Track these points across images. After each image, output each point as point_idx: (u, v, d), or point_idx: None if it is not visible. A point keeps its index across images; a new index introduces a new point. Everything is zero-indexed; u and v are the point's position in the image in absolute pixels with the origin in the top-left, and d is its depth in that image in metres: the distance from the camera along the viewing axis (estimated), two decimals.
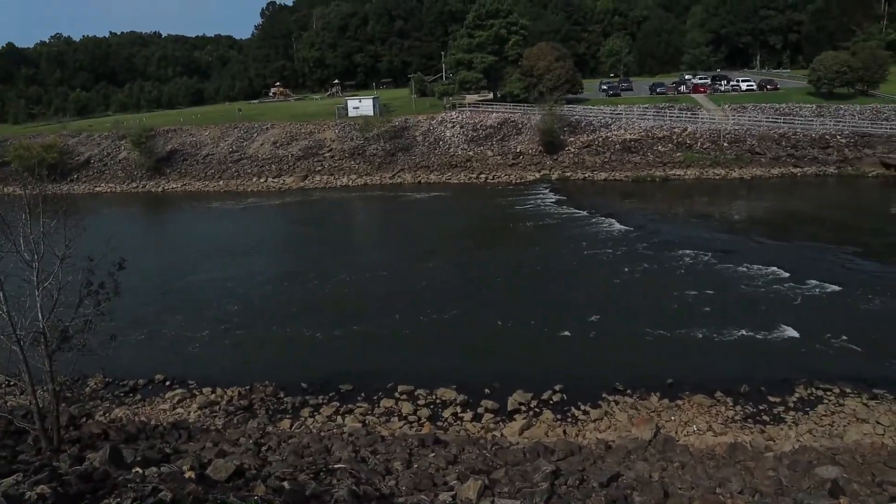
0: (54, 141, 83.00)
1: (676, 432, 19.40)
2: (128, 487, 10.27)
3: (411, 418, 21.26)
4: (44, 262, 16.89)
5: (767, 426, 19.50)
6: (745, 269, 34.26)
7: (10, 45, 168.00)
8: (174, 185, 74.57)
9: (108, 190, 76.04)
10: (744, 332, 26.42)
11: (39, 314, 16.64)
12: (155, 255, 45.26)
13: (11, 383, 20.41)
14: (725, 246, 39.04)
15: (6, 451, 16.37)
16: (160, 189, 74.30)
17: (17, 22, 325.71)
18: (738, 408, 20.76)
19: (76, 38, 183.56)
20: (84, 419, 21.49)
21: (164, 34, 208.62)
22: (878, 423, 18.84)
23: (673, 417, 20.32)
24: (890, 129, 61.69)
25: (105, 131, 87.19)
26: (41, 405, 17.16)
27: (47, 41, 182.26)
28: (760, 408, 20.71)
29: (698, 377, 22.86)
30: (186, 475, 11.47)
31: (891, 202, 52.25)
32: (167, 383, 25.31)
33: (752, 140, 63.46)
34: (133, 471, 12.09)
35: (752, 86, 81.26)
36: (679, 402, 21.28)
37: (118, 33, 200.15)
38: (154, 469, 12.21)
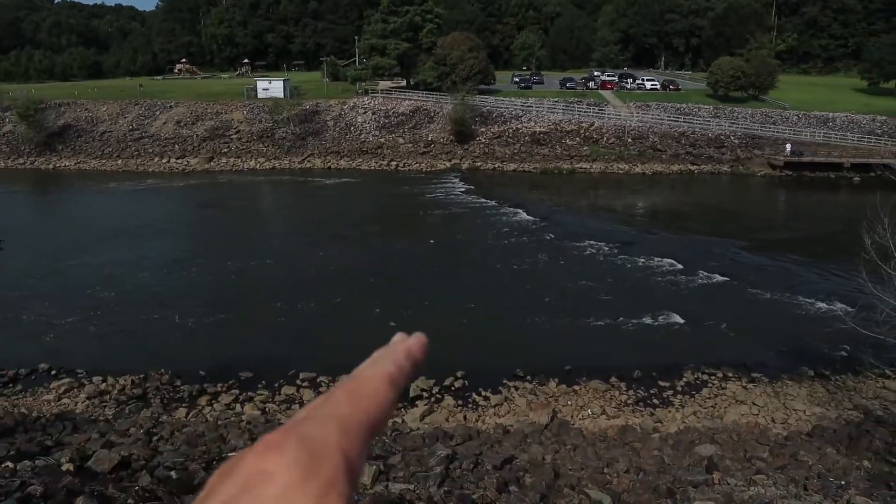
0: None
1: (572, 416, 20.11)
2: None
3: None
4: None
5: (657, 409, 20.54)
6: (642, 260, 35.83)
7: None
8: (67, 163, 70.05)
9: None
10: (639, 320, 27.66)
11: None
12: (42, 236, 42.48)
13: None
14: (625, 238, 40.71)
15: None
16: (51, 166, 69.62)
17: None
18: (631, 392, 21.74)
19: None
20: None
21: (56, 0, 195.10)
22: (754, 403, 20.24)
23: (569, 402, 21.04)
24: (776, 132, 66.08)
25: None
26: None
27: None
28: (651, 392, 21.78)
29: (595, 363, 23.76)
30: (64, 468, 10.93)
31: (775, 200, 56.07)
32: (52, 372, 23.81)
33: (654, 137, 66.31)
34: (3, 465, 11.38)
35: (656, 85, 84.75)
36: (576, 387, 22.05)
37: None
38: (28, 463, 11.53)
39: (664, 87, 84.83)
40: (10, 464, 11.62)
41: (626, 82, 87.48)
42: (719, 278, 32.79)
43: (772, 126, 67.44)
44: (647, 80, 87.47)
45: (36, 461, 12.11)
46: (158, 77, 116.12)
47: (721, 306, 29.09)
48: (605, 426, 19.24)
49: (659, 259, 35.77)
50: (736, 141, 65.45)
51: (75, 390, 22.43)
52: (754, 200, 54.72)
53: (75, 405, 21.43)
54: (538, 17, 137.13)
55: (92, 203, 54.39)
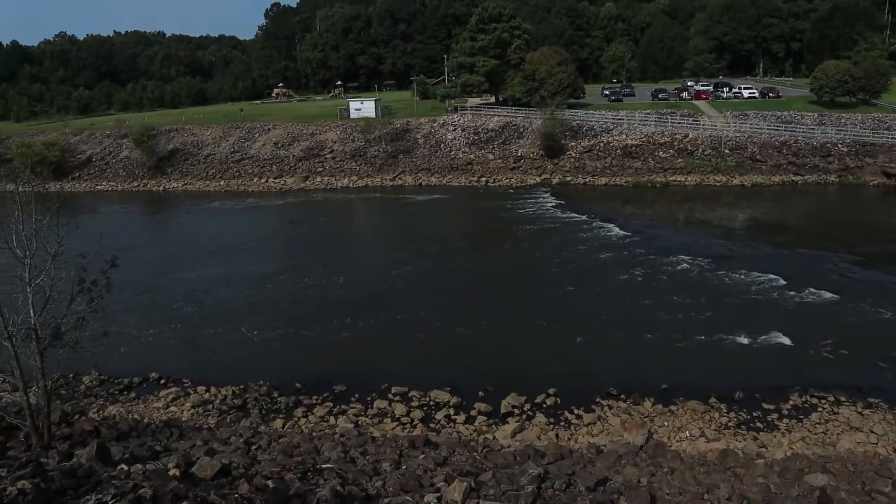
0: (56, 139, 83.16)
1: (669, 438, 19.33)
2: (110, 484, 10.26)
3: (404, 420, 21.22)
4: (36, 258, 16.84)
5: (761, 433, 19.43)
6: (742, 275, 34.18)
7: (14, 43, 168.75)
8: (175, 185, 74.62)
9: (110, 188, 76.10)
10: (740, 338, 26.35)
11: (31, 311, 16.59)
12: (152, 253, 45.26)
13: (3, 380, 20.33)
14: (724, 252, 39.00)
15: None
16: (161, 188, 74.36)
17: (22, 20, 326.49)
18: (732, 414, 20.70)
19: (80, 36, 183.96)
20: (77, 416, 21.42)
21: (167, 34, 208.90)
22: (871, 431, 18.76)
23: (666, 423, 20.25)
24: (891, 138, 61.64)
25: (107, 130, 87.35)
26: (33, 402, 17.11)
27: (51, 39, 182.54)
28: (754, 415, 20.64)
29: (693, 383, 22.79)
30: (171, 473, 11.45)
31: (891, 211, 52.18)
32: (161, 381, 25.28)
33: (753, 147, 63.45)
34: (118, 468, 12.08)
35: (754, 93, 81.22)
36: (673, 407, 21.22)
37: (122, 32, 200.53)
38: (139, 466, 12.19)
39: (763, 94, 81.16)
40: (124, 466, 12.32)
41: (722, 91, 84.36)
42: (828, 295, 30.76)
43: (885, 132, 62.98)
44: (745, 88, 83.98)
45: (147, 465, 12.79)
46: (257, 101, 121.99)
47: (830, 325, 27.24)
48: (705, 449, 18.35)
49: (760, 275, 34.00)
50: (844, 149, 61.57)
51: (181, 399, 23.64)
52: (866, 211, 51.15)
53: (181, 413, 22.56)
54: (628, 29, 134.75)
55: (197, 222, 57.52)
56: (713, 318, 28.64)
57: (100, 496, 9.35)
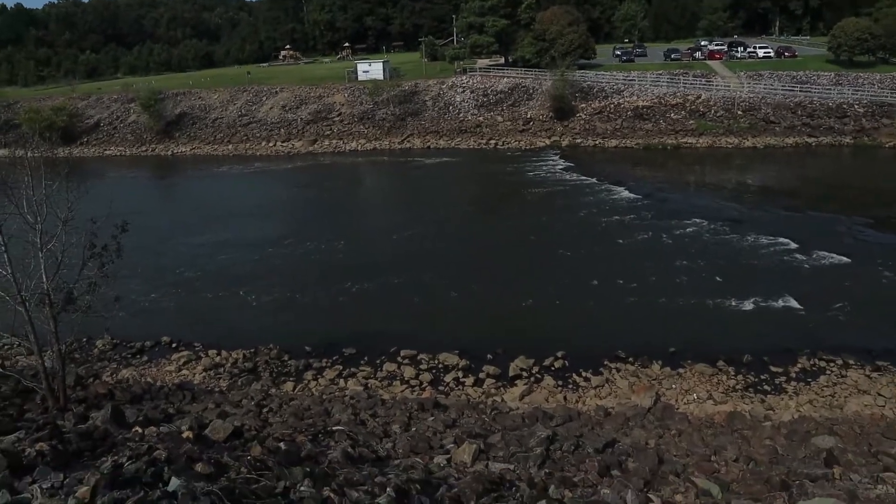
0: (64, 104, 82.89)
1: (676, 400, 19.46)
2: (125, 446, 10.46)
3: (413, 382, 21.44)
4: (47, 224, 16.92)
5: (768, 396, 19.51)
6: (753, 238, 33.97)
7: (18, 6, 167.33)
8: (183, 149, 74.48)
9: (118, 153, 76.07)
10: (749, 302, 26.29)
11: (44, 276, 16.74)
12: (161, 218, 45.41)
13: (19, 344, 20.64)
14: (735, 216, 38.70)
15: (13, 409, 16.65)
16: (169, 152, 74.26)
17: None
18: (740, 377, 20.77)
19: None
20: (91, 379, 21.77)
21: None
22: (879, 394, 18.80)
23: (674, 386, 20.37)
24: None
25: (114, 94, 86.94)
26: (48, 365, 17.39)
27: (56, 2, 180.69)
28: (762, 378, 20.70)
29: (701, 346, 22.85)
30: (185, 435, 11.64)
31: None
32: (173, 345, 25.60)
33: (766, 108, 62.38)
34: (133, 430, 12.30)
35: (769, 52, 79.53)
36: (681, 370, 21.32)
37: None
38: (153, 429, 12.42)
39: (778, 54, 79.42)
40: (139, 429, 12.55)
41: (736, 51, 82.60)
42: (840, 258, 30.54)
43: None
44: (760, 47, 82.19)
45: (161, 427, 13.03)
46: (264, 64, 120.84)
47: (841, 288, 27.09)
48: (712, 412, 18.47)
49: (771, 238, 33.76)
50: (861, 110, 60.42)
51: (193, 363, 23.96)
52: (882, 174, 50.39)
53: (193, 376, 22.89)
54: None
55: (205, 186, 57.55)
56: (723, 281, 28.55)
57: (115, 458, 9.51)
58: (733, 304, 26.31)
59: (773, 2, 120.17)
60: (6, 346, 23.62)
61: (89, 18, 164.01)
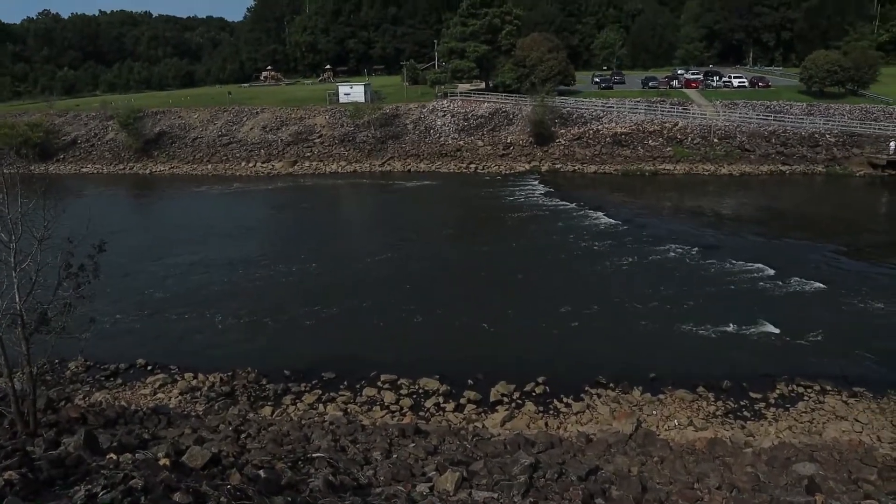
0: (40, 120, 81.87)
1: (658, 426, 19.47)
2: (100, 474, 10.13)
3: (393, 408, 21.21)
4: (22, 242, 16.57)
5: (748, 422, 19.61)
6: (730, 264, 34.37)
7: None
8: (161, 168, 73.81)
9: (95, 171, 75.13)
10: (727, 327, 26.52)
11: (16, 296, 16.35)
12: (139, 237, 44.82)
13: None
14: (712, 241, 39.20)
15: None
16: (147, 171, 73.52)
17: None
18: (720, 403, 20.88)
19: (64, 14, 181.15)
20: (63, 403, 21.23)
21: (154, 14, 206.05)
22: (856, 420, 18.99)
23: (655, 412, 20.39)
24: (878, 129, 62.04)
25: (93, 111, 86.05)
26: (18, 388, 16.91)
27: (34, 17, 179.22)
28: (742, 403, 20.83)
29: (681, 372, 22.96)
30: (161, 462, 11.33)
31: (877, 202, 52.66)
32: (148, 367, 25.10)
33: (742, 137, 63.64)
34: (107, 457, 11.94)
35: (743, 82, 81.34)
36: (661, 396, 21.37)
37: (107, 12, 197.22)
38: (129, 455, 12.06)
39: (753, 84, 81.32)
40: (113, 455, 12.18)
41: (712, 80, 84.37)
42: (815, 285, 31.01)
43: (873, 122, 63.33)
44: (735, 77, 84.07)
45: (136, 454, 12.66)
46: (246, 84, 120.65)
47: (817, 315, 27.47)
48: (693, 438, 18.50)
49: (748, 264, 34.20)
50: (832, 139, 61.90)
51: (169, 386, 23.49)
52: (853, 202, 51.53)
53: (169, 400, 22.43)
54: (619, 16, 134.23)
55: (184, 206, 56.97)
56: (701, 306, 28.80)
57: (89, 486, 9.22)
58: (712, 329, 26.51)
59: (746, 33, 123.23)
60: None
61: (68, 35, 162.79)
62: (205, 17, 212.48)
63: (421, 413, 20.83)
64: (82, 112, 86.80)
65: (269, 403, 21.81)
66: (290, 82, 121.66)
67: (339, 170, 68.47)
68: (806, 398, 20.90)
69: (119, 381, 24.20)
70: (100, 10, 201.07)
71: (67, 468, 10.85)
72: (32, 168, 69.19)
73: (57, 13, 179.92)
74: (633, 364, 23.61)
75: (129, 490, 8.69)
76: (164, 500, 8.67)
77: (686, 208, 49.41)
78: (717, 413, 20.27)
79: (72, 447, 12.63)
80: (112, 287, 31.67)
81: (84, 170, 75.63)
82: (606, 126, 67.81)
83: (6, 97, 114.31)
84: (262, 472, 11.21)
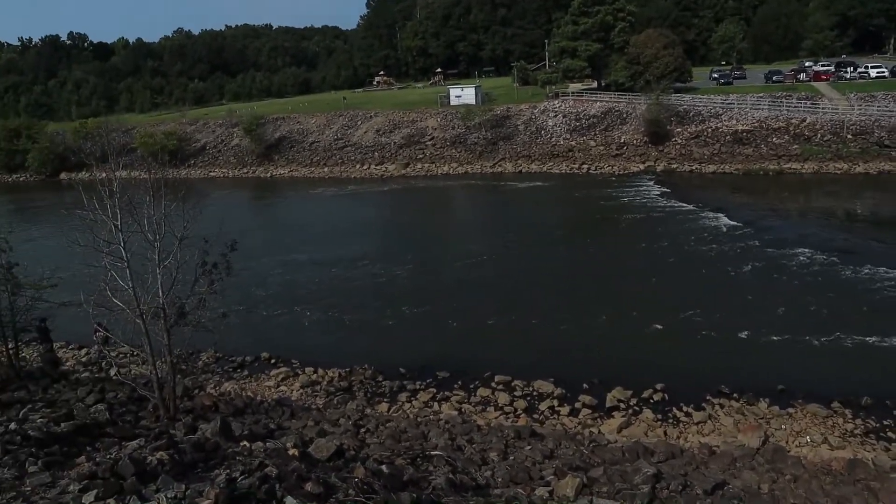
0: (174, 128, 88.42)
1: (787, 442, 18.24)
2: (236, 460, 10.78)
3: (507, 409, 21.14)
4: (164, 242, 17.90)
5: (893, 444, 17.97)
6: (868, 271, 31.76)
7: (139, 40, 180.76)
8: (282, 171, 77.62)
9: (221, 175, 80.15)
10: (865, 339, 24.48)
11: (160, 291, 17.67)
12: (262, 237, 47.29)
13: (135, 353, 21.85)
14: (846, 246, 36.35)
15: (130, 416, 17.58)
16: (269, 175, 77.54)
17: (146, 18, 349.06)
18: (859, 421, 19.24)
19: (195, 31, 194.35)
20: (197, 391, 22.75)
21: (274, 26, 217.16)
22: None
23: (783, 426, 19.11)
24: None
25: (219, 119, 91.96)
26: (160, 376, 18.29)
27: (170, 35, 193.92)
28: (885, 423, 19.08)
29: (813, 385, 21.40)
30: (290, 452, 11.90)
31: None
32: (272, 361, 26.38)
33: (880, 132, 58.62)
34: (241, 444, 12.68)
35: (883, 72, 74.92)
36: (790, 410, 20.00)
37: (232, 26, 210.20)
38: (260, 444, 12.76)
39: (894, 74, 74.73)
40: (246, 443, 12.95)
41: (846, 71, 78.32)
42: None
43: None
44: (873, 67, 77.57)
45: (266, 443, 13.37)
46: (359, 90, 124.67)
47: None
48: (828, 457, 17.18)
49: (888, 271, 31.41)
50: None
51: (291, 379, 24.60)
52: None
53: (291, 392, 23.48)
54: (739, 7, 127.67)
55: (302, 207, 59.63)
56: (835, 316, 26.76)
57: (228, 471, 9.81)
58: (848, 341, 24.57)
59: (888, 18, 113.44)
60: (122, 356, 25.05)
61: (198, 49, 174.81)
62: (320, 26, 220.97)
63: (535, 416, 20.64)
64: (210, 120, 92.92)
65: (385, 400, 22.34)
66: (401, 86, 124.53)
67: (451, 171, 69.27)
68: None
69: (245, 372, 25.60)
70: (226, 25, 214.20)
71: (207, 452, 11.62)
72: (168, 173, 74.66)
73: (189, 30, 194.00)
74: (758, 374, 22.28)
75: (265, 477, 9.16)
76: (296, 489, 9.07)
77: (815, 210, 46.18)
78: (856, 432, 18.69)
79: (209, 433, 13.50)
80: (239, 284, 33.54)
81: (212, 174, 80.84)
82: (726, 123, 64.61)
83: (146, 109, 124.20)
84: (384, 468, 11.51)
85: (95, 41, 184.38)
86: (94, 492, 8.04)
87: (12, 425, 12.85)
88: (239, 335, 28.35)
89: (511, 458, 14.74)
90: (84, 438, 12.25)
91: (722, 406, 20.54)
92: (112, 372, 24.11)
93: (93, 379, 22.69)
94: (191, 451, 11.30)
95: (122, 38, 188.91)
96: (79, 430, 12.98)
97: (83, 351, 28.13)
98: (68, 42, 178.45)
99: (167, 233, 18.19)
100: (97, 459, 9.71)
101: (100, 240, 17.46)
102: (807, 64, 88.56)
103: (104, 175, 19.09)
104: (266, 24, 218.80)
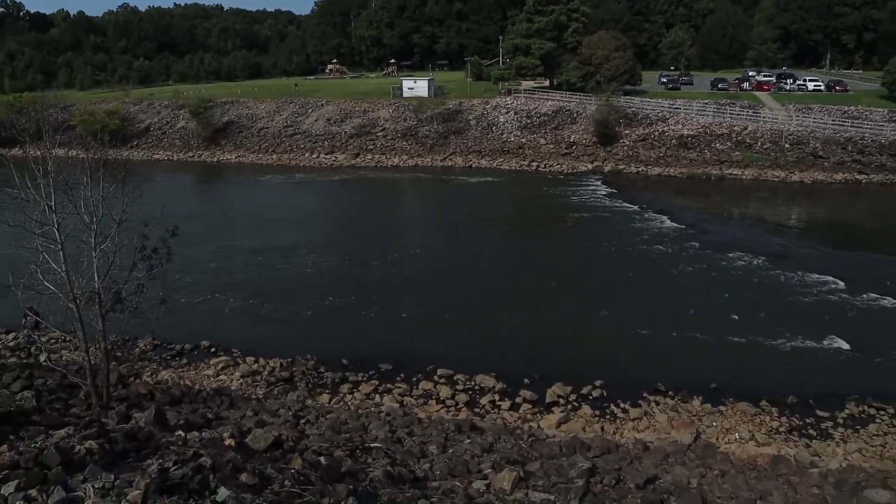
0: (117, 108, 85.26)
1: (717, 439, 18.94)
2: (170, 450, 10.53)
3: (449, 402, 21.29)
4: (102, 224, 17.30)
5: (814, 441, 18.86)
6: (798, 276, 33.16)
7: (80, 13, 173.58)
8: (228, 156, 75.91)
9: (166, 157, 77.85)
10: (794, 341, 25.59)
11: (95, 275, 17.10)
12: (205, 223, 46.15)
13: (67, 339, 21.11)
14: (780, 251, 37.88)
15: (59, 403, 17.00)
16: (215, 159, 75.73)
17: None
18: (784, 419, 20.14)
19: (142, 8, 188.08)
20: (132, 379, 22.13)
21: (225, 7, 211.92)
22: None
23: (714, 423, 19.84)
24: None
25: (165, 100, 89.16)
26: (93, 362, 17.71)
27: (115, 10, 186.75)
28: (807, 421, 20.04)
29: (743, 384, 22.27)
30: (227, 442, 11.70)
31: None
32: (212, 350, 25.88)
33: (815, 143, 61.14)
34: (176, 433, 12.40)
35: (819, 86, 78.20)
36: (722, 408, 20.77)
37: (181, 4, 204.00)
38: (196, 434, 12.51)
39: (829, 88, 78.04)
40: (181, 433, 12.67)
41: (785, 83, 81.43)
42: (890, 301, 29.58)
43: None
44: (810, 80, 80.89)
45: (202, 433, 13.12)
46: (311, 77, 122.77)
47: (892, 333, 26.20)
48: (755, 453, 17.92)
49: (818, 276, 32.88)
50: None
51: (231, 368, 24.20)
52: None
53: (231, 382, 23.09)
54: (689, 14, 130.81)
55: (250, 194, 58.45)
56: (766, 318, 27.86)
57: (161, 461, 9.58)
58: (777, 341, 25.63)
59: (824, 34, 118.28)
60: (53, 341, 24.15)
61: (145, 27, 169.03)
62: (273, 10, 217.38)
63: (476, 410, 20.85)
64: (156, 101, 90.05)
65: (326, 391, 22.20)
66: (354, 75, 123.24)
67: (401, 163, 69.02)
68: (878, 420, 19.96)
69: (184, 361, 25.04)
70: (174, 4, 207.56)
71: (140, 442, 11.32)
72: (108, 153, 72.08)
73: (135, 6, 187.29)
74: (693, 373, 23.04)
75: (199, 467, 9.00)
76: (231, 480, 8.94)
77: (753, 215, 47.91)
78: (781, 429, 19.56)
79: (143, 422, 13.16)
80: (178, 270, 32.74)
81: (156, 156, 78.44)
82: (672, 128, 66.29)
83: (87, 86, 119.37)
84: (322, 459, 11.45)
85: (32, 11, 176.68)
86: (15, 482, 7.75)
87: None
88: (178, 322, 27.55)
89: (450, 451, 14.86)
90: (7, 427, 11.76)
91: (657, 403, 21.16)
92: (42, 358, 23.19)
93: (20, 365, 21.80)
94: (122, 441, 10.98)
95: (62, 9, 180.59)
96: (2, 417, 12.46)
97: (10, 336, 26.96)
98: (2, 10, 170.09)
99: (105, 215, 17.59)
100: (20, 448, 9.33)
101: (31, 220, 16.79)
102: (750, 73, 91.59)
103: (38, 153, 18.31)
104: (217, 5, 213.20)
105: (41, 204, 16.73)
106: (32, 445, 9.70)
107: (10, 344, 26.19)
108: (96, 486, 7.86)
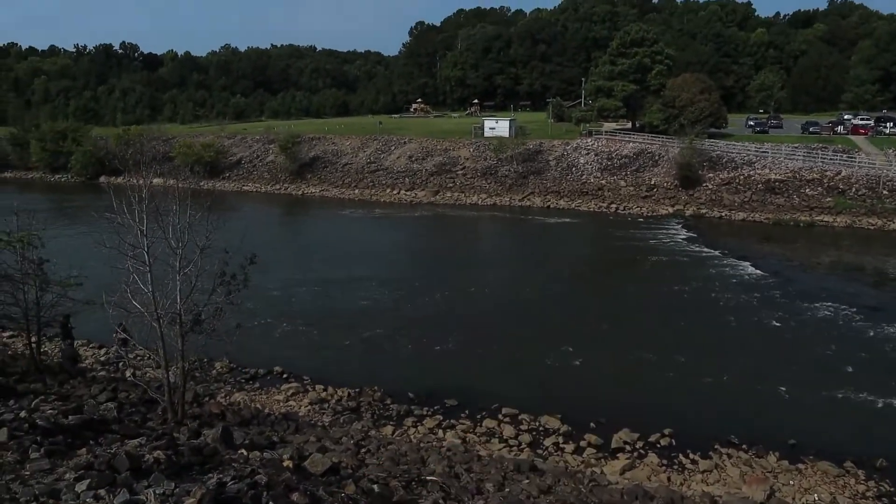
0: (213, 141, 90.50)
1: (793, 498, 17.87)
2: (231, 466, 10.96)
3: (512, 442, 21.05)
4: (187, 250, 18.33)
5: None
6: (892, 330, 31.12)
7: (187, 53, 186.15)
8: (313, 190, 78.81)
9: (254, 189, 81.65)
10: (885, 399, 23.95)
11: (178, 297, 18.07)
12: (286, 253, 47.94)
13: (151, 357, 22.27)
14: (874, 303, 35.70)
15: (138, 416, 17.91)
16: (300, 192, 78.77)
17: (195, 33, 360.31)
18: (872, 483, 18.77)
19: (242, 48, 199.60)
20: (207, 398, 23.05)
21: (318, 48, 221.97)
22: None
23: (791, 482, 18.73)
24: None
25: (257, 135, 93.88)
26: (171, 380, 18.62)
27: (217, 51, 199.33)
28: None
29: (826, 442, 20.96)
30: (285, 464, 12.04)
31: None
32: (284, 376, 26.64)
33: None
34: (239, 452, 12.87)
35: None
36: (800, 465, 19.60)
37: (278, 45, 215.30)
38: (257, 453, 12.92)
39: None
40: (244, 451, 13.13)
41: (885, 126, 77.49)
42: None
43: None
44: None
45: (264, 453, 13.53)
46: (396, 115, 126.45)
47: None
48: None
49: None
50: None
51: (300, 395, 24.79)
52: None
53: (299, 408, 23.65)
54: (779, 56, 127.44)
55: (329, 227, 60.35)
56: (854, 373, 26.26)
57: (220, 475, 9.99)
58: (867, 399, 24.06)
59: None
60: (139, 358, 25.52)
61: (243, 66, 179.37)
62: (363, 51, 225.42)
63: (539, 450, 20.51)
64: (248, 135, 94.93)
65: (391, 423, 22.40)
66: (437, 115, 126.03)
67: (480, 202, 69.68)
68: None
69: (257, 384, 25.88)
70: (271, 44, 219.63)
71: (205, 457, 11.81)
72: (202, 184, 76.28)
73: (235, 47, 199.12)
74: (770, 427, 21.90)
75: (254, 484, 9.33)
76: (283, 498, 9.21)
77: (845, 264, 45.45)
78: (868, 494, 18.24)
79: (210, 439, 13.71)
80: (257, 297, 34.11)
81: (245, 188, 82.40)
82: (759, 171, 64.18)
83: (188, 120, 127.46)
84: (375, 487, 11.59)
85: (146, 52, 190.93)
86: (88, 481, 8.30)
87: (22, 413, 13.23)
88: (255, 347, 28.71)
89: (507, 489, 14.68)
90: (89, 433, 12.55)
91: (730, 456, 20.21)
92: (128, 374, 24.62)
93: (108, 378, 23.18)
94: (189, 454, 11.51)
95: (171, 50, 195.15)
96: (85, 424, 13.30)
97: (102, 350, 28.72)
98: (120, 51, 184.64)
99: (190, 241, 18.65)
100: (97, 452, 9.98)
101: (125, 243, 17.98)
102: (846, 117, 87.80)
103: (138, 181, 19.68)
104: (310, 46, 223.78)
105: (135, 228, 17.93)
106: (107, 451, 10.33)
107: (102, 358, 27.86)
108: (158, 492, 8.30)
